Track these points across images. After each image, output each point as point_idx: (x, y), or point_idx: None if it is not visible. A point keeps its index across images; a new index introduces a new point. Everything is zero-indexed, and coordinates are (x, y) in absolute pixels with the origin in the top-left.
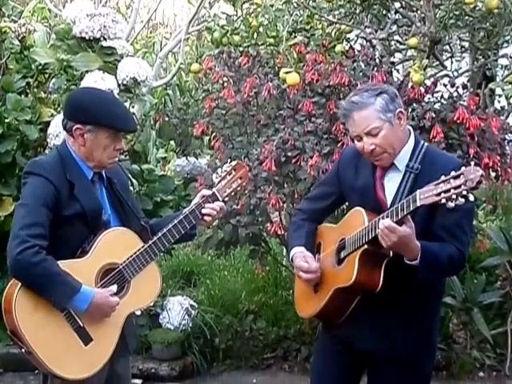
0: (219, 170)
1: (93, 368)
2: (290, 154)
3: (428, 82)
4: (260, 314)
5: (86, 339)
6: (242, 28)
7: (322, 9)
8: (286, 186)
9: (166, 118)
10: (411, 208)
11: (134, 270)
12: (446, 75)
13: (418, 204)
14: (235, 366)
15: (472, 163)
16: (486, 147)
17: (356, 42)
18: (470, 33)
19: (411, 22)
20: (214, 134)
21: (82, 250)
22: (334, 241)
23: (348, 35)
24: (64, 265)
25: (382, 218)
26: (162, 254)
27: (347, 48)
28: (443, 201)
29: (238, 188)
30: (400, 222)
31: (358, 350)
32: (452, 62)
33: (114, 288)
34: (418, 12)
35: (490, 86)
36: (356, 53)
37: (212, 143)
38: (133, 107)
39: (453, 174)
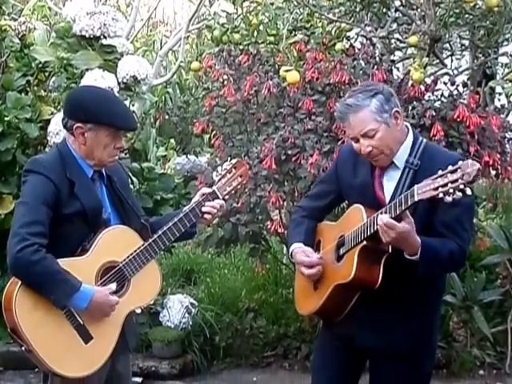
0: (219, 168)
1: (93, 366)
2: (290, 152)
3: (428, 80)
4: (260, 312)
5: (86, 337)
6: (242, 26)
7: (322, 7)
8: (286, 184)
9: (166, 117)
10: (409, 203)
11: (134, 268)
12: (446, 73)
13: (416, 199)
14: (235, 364)
15: (469, 160)
16: (486, 145)
17: (356, 40)
18: (470, 31)
19: (411, 20)
20: (214, 132)
21: (82, 249)
22: (334, 238)
23: (348, 33)
24: (64, 263)
25: (381, 213)
26: (162, 252)
27: (347, 46)
28: (441, 195)
29: (239, 186)
30: (399, 218)
31: (358, 347)
32: (452, 60)
33: (114, 286)
34: (418, 10)
35: (490, 84)
36: (356, 51)
37: (212, 141)
38: (133, 105)
39: (450, 168)
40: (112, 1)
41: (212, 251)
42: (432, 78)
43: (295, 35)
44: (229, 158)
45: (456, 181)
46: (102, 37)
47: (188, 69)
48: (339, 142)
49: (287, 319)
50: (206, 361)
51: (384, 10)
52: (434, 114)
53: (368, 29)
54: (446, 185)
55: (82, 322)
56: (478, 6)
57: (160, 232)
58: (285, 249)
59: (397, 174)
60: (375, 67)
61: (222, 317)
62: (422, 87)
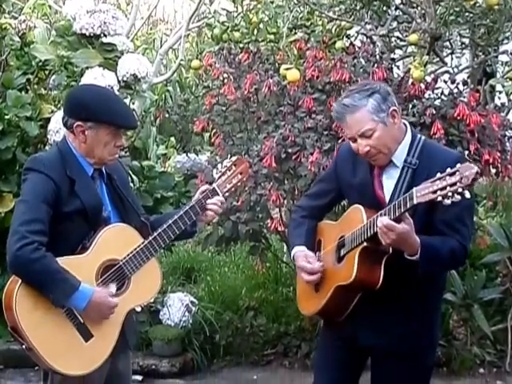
0: (219, 166)
1: (93, 364)
2: (290, 150)
3: (428, 79)
4: (260, 310)
5: (87, 335)
6: (242, 24)
7: (322, 5)
8: (286, 182)
9: (167, 115)
10: (408, 206)
11: (134, 266)
12: (447, 72)
13: (415, 202)
14: (235, 363)
15: (467, 163)
16: (487, 144)
17: (356, 38)
18: (471, 29)
19: (411, 19)
20: (214, 131)
21: (82, 247)
22: (334, 238)
23: (348, 32)
24: (64, 261)
25: (380, 215)
26: (162, 251)
27: (347, 44)
28: (439, 198)
29: (239, 183)
30: (398, 219)
31: (359, 346)
32: (452, 59)
33: (114, 289)
34: (419, 8)
35: (491, 82)
36: (356, 49)
37: (212, 140)
38: (133, 104)
39: (448, 170)
40: None
41: (212, 249)
42: (432, 76)
43: (295, 33)
44: (229, 157)
45: (454, 184)
46: (102, 35)
47: (188, 67)
48: (339, 141)
49: (287, 317)
50: (206, 359)
51: (384, 8)
52: (434, 112)
53: (368, 27)
54: (444, 188)
55: (82, 321)
56: (478, 4)
57: (160, 230)
58: (285, 247)
59: (396, 173)
60: (375, 65)
61: (222, 315)
62: (423, 85)
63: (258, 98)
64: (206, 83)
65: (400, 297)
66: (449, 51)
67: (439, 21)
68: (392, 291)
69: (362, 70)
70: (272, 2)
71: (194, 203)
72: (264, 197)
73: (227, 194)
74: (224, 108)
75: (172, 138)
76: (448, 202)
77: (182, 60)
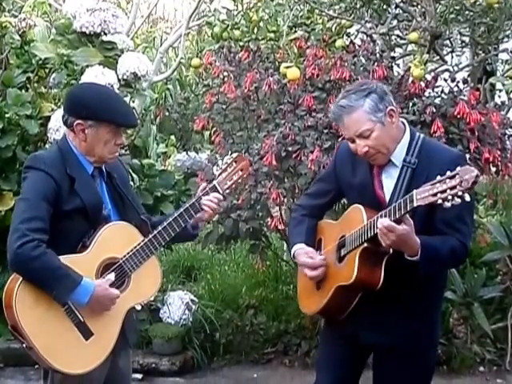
0: (220, 163)
1: (93, 363)
2: (290, 148)
3: (428, 77)
4: (260, 308)
5: (87, 334)
6: (242, 23)
7: (322, 3)
8: (286, 180)
9: (167, 113)
10: (408, 208)
11: (134, 264)
12: (447, 70)
13: (415, 204)
14: (236, 361)
15: (467, 166)
16: (487, 142)
17: (356, 36)
18: (471, 27)
19: (412, 17)
20: (214, 129)
21: (82, 245)
22: (335, 238)
23: (348, 30)
24: (64, 259)
25: (381, 216)
26: (162, 249)
27: (348, 43)
28: (439, 201)
29: (239, 180)
30: (398, 221)
31: (361, 344)
32: (452, 57)
33: (112, 276)
34: (419, 7)
35: (491, 80)
36: (356, 47)
37: (212, 138)
38: (133, 102)
39: (448, 173)
40: None
41: (212, 248)
42: (432, 74)
43: (295, 32)
44: (229, 154)
45: (454, 187)
46: (102, 33)
47: (188, 65)
48: (339, 139)
49: (287, 316)
50: (207, 357)
51: (384, 7)
52: (435, 110)
53: (368, 25)
54: (444, 191)
55: (82, 319)
56: (478, 3)
57: (160, 228)
58: (285, 245)
59: (395, 172)
60: (375, 64)
61: (223, 313)
62: (423, 84)
63: (258, 97)
64: (206, 81)
65: (400, 297)
66: (449, 49)
67: (439, 19)
68: (392, 291)
69: (362, 68)
70: (272, 0)
71: (194, 201)
72: (264, 195)
73: (227, 191)
74: (224, 106)
75: (172, 137)
76: (448, 204)
77: (182, 58)
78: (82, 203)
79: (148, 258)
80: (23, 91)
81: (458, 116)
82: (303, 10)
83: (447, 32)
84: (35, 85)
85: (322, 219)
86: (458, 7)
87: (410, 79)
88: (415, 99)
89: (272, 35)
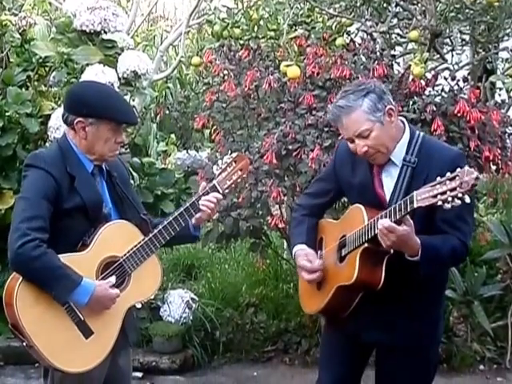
0: (220, 162)
1: (93, 361)
2: (290, 147)
3: (429, 75)
4: (260, 307)
5: (87, 332)
6: (242, 21)
7: (322, 2)
8: (286, 179)
9: (167, 112)
10: (408, 209)
11: (134, 262)
12: (447, 68)
13: (415, 206)
14: (236, 359)
15: (466, 167)
16: (487, 140)
17: (357, 35)
18: (471, 26)
19: (412, 15)
20: (214, 128)
21: (82, 243)
22: (336, 237)
23: (349, 28)
24: (65, 258)
25: (381, 217)
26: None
27: (348, 41)
28: (440, 203)
29: (239, 180)
30: (398, 222)
31: (363, 342)
32: (452, 55)
33: (113, 279)
34: (419, 5)
35: (491, 79)
36: (357, 46)
37: (212, 136)
38: (133, 100)
39: (448, 175)
40: None
41: (212, 246)
42: (432, 72)
43: (296, 30)
44: (229, 153)
45: (454, 189)
46: (102, 32)
47: (188, 64)
48: (340, 137)
49: (288, 314)
50: (207, 356)
51: (384, 5)
52: (435, 108)
53: (368, 24)
54: (444, 193)
55: (82, 318)
56: (478, 1)
57: (160, 227)
58: (285, 244)
59: (395, 172)
60: (376, 62)
61: (223, 312)
62: (423, 82)
63: (258, 95)
64: (206, 80)
65: (401, 297)
66: (449, 48)
67: (439, 17)
68: (393, 291)
69: (362, 66)
70: None
71: (194, 200)
72: (265, 193)
73: (227, 190)
74: (224, 105)
75: (172, 135)
76: (448, 206)
77: (182, 57)
78: (82, 201)
79: (148, 256)
80: (23, 90)
81: (459, 114)
82: (303, 9)
83: (447, 30)
84: (35, 83)
85: (322, 218)
86: (458, 5)
87: (411, 77)
88: (415, 97)
89: (272, 33)
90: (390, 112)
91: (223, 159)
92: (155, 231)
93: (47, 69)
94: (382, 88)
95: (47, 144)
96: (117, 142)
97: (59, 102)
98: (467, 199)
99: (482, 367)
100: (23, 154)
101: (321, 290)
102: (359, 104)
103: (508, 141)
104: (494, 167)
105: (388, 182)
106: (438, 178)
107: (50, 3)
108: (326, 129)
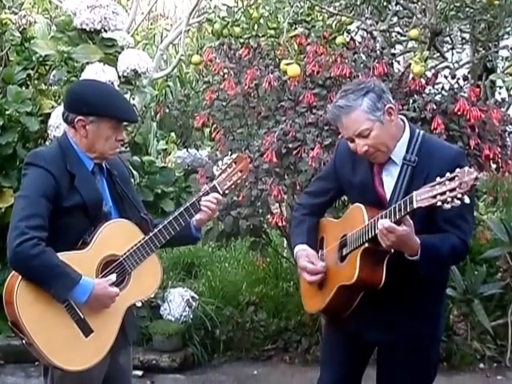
0: (220, 163)
1: (93, 359)
2: (290, 145)
3: (429, 74)
4: (261, 305)
5: (87, 331)
6: (242, 19)
7: (322, 0)
8: (287, 177)
9: (167, 110)
10: (408, 210)
11: (134, 261)
12: (447, 67)
13: (415, 206)
14: (236, 358)
15: (466, 168)
16: (487, 139)
17: (357, 33)
18: (471, 24)
19: (412, 14)
20: (214, 126)
21: (82, 242)
22: (336, 237)
23: (349, 27)
24: (65, 257)
25: (381, 217)
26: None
27: (348, 39)
28: (439, 203)
29: (239, 181)
30: (398, 222)
31: (363, 342)
32: (453, 54)
33: (114, 277)
34: (419, 3)
35: (491, 77)
36: (357, 44)
37: (213, 135)
38: (133, 99)
39: (448, 175)
40: None
41: (213, 244)
42: (433, 71)
43: (296, 29)
44: (229, 152)
45: (454, 189)
46: (102, 30)
47: (188, 62)
48: (340, 136)
49: (288, 312)
50: (207, 354)
51: (385, 4)
52: (435, 107)
53: (369, 22)
54: (444, 193)
55: (82, 316)
56: (478, 0)
57: (161, 226)
58: (285, 242)
59: (395, 171)
60: (376, 61)
61: (223, 310)
62: (423, 80)
63: (258, 94)
64: (206, 78)
65: (402, 296)
66: (449, 46)
67: (440, 16)
68: (394, 291)
69: (362, 65)
70: None
71: (194, 200)
72: (265, 192)
73: (227, 191)
74: (224, 103)
75: (172, 134)
76: (448, 206)
77: (182, 55)
78: (82, 199)
79: (148, 255)
80: (23, 88)
81: (459, 113)
82: (303, 7)
83: (447, 29)
84: (35, 82)
85: (323, 217)
86: (458, 4)
87: (411, 76)
88: (415, 96)
89: (272, 32)
90: (390, 111)
91: (223, 160)
92: (155, 230)
93: (47, 67)
94: (381, 87)
95: (47, 142)
96: (117, 139)
97: (59, 101)
98: (466, 200)
99: (482, 366)
100: (23, 153)
101: (322, 289)
102: (359, 103)
103: (508, 139)
104: (494, 166)
105: (388, 180)
106: (438, 179)
107: (50, 1)
108: (326, 127)
